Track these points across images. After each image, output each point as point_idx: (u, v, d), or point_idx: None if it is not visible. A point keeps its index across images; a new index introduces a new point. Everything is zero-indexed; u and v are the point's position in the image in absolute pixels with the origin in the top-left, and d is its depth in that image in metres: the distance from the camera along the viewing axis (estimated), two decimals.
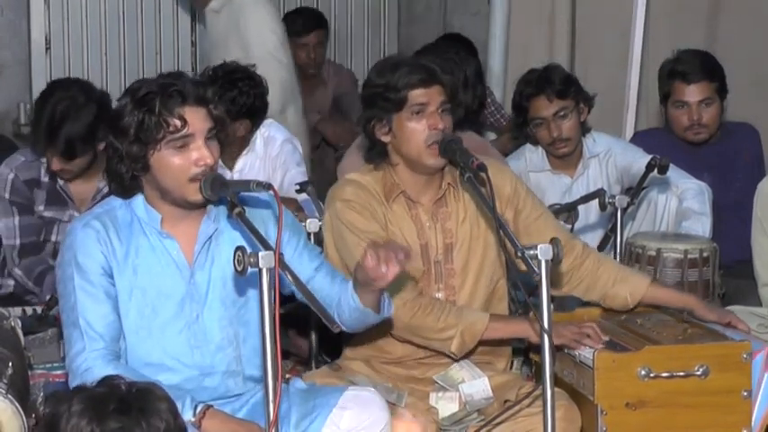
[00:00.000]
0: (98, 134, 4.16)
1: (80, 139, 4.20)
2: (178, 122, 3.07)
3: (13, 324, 3.53)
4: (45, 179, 4.44)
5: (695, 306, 3.68)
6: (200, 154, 3.08)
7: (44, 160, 4.40)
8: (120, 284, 3.14)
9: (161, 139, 3.07)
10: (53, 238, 4.46)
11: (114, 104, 3.21)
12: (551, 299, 3.08)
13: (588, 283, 3.69)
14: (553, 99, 4.67)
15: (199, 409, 3.05)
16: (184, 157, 3.08)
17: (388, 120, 3.47)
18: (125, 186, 3.15)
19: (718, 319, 3.63)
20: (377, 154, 3.54)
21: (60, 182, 4.40)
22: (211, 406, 3.08)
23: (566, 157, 4.79)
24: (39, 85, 6.70)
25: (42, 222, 4.44)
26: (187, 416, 3.01)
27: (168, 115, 3.06)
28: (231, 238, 3.21)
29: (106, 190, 4.29)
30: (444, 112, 3.46)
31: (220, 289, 3.22)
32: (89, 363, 3.06)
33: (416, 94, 3.43)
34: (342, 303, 3.19)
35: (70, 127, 4.20)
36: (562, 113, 4.69)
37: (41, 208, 4.43)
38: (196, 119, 3.10)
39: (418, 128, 3.43)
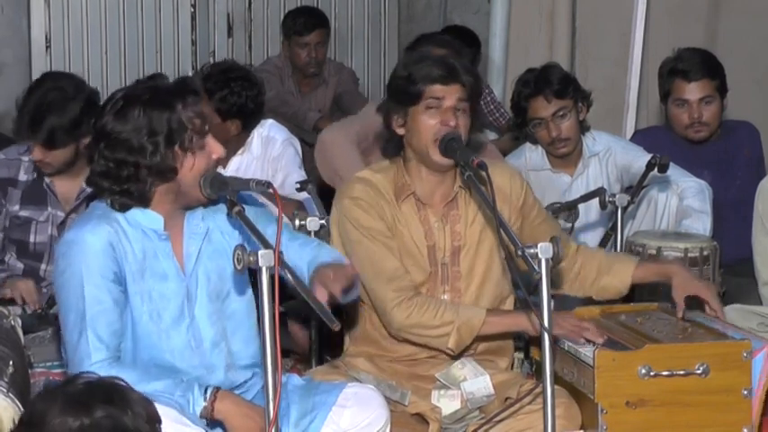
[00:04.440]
0: (82, 129, 4.12)
1: (63, 130, 4.16)
2: (199, 121, 3.07)
3: (13, 323, 3.53)
4: (23, 178, 4.37)
5: (677, 273, 3.68)
6: (215, 147, 3.10)
7: (25, 159, 4.35)
8: (133, 289, 3.13)
9: (191, 140, 3.06)
10: (31, 238, 4.39)
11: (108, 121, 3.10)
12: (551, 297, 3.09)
13: (579, 283, 3.72)
14: (552, 99, 4.66)
15: (209, 392, 3.05)
16: (205, 155, 3.09)
17: (404, 112, 3.47)
18: (144, 197, 3.10)
19: (697, 292, 3.62)
20: (393, 147, 3.54)
21: (47, 180, 4.35)
22: (219, 388, 3.09)
23: (565, 156, 4.79)
24: None
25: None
26: (198, 404, 3.02)
27: (193, 116, 3.06)
28: (208, 233, 3.22)
29: (89, 190, 4.28)
30: (460, 112, 3.44)
31: (206, 286, 3.22)
32: (92, 371, 3.03)
33: (433, 89, 3.42)
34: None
35: (55, 118, 4.16)
36: (561, 113, 4.68)
37: (17, 207, 4.37)
38: (206, 114, 3.12)
39: (430, 122, 3.42)
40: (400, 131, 3.50)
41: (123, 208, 3.12)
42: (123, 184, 3.08)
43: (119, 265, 3.10)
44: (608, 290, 3.72)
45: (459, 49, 4.61)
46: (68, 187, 4.37)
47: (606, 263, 3.72)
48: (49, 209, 4.36)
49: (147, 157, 3.04)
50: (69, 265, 3.10)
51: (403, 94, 3.45)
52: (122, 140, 3.05)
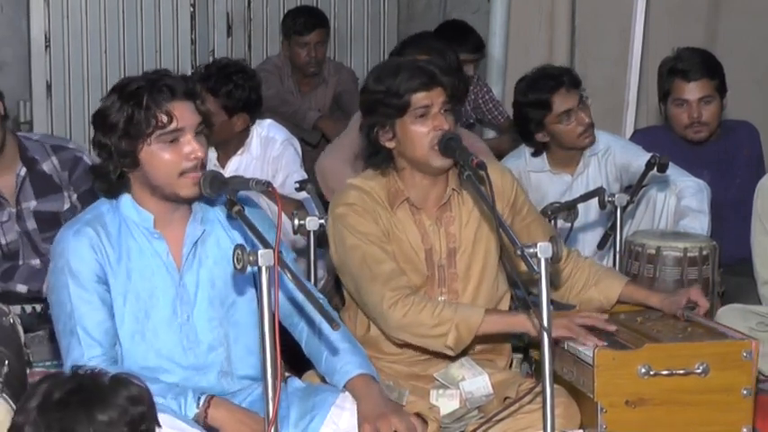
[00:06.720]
0: None
1: None
2: (165, 117, 3.07)
3: (12, 321, 3.53)
4: None
5: (662, 300, 3.69)
6: (191, 148, 3.10)
7: None
8: (115, 290, 3.14)
9: (150, 133, 3.07)
10: (1, 240, 4.34)
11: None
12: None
13: (565, 290, 3.73)
14: (571, 89, 4.68)
15: (202, 400, 3.06)
16: (175, 151, 3.09)
17: (391, 125, 3.46)
18: (111, 183, 3.15)
19: (680, 305, 3.63)
20: (381, 160, 3.53)
21: None
22: (214, 396, 3.09)
23: (573, 150, 4.78)
24: (38, 84, 6.73)
25: None
26: (191, 410, 3.03)
27: (157, 109, 3.07)
28: (217, 238, 3.23)
29: (23, 173, 4.23)
30: (447, 113, 3.45)
31: (208, 290, 3.22)
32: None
33: (419, 98, 3.42)
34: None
35: None
36: (581, 104, 4.70)
37: None
38: (186, 113, 3.11)
39: (423, 130, 3.43)
40: (390, 145, 3.49)
41: (107, 194, 3.18)
42: (102, 162, 3.15)
43: (102, 268, 3.13)
44: (592, 302, 3.72)
45: (442, 51, 4.60)
46: (5, 182, 4.32)
47: (595, 276, 3.72)
48: (6, 208, 4.33)
49: (110, 137, 3.10)
50: (56, 265, 3.15)
51: (386, 107, 3.44)
52: (101, 120, 3.13)
